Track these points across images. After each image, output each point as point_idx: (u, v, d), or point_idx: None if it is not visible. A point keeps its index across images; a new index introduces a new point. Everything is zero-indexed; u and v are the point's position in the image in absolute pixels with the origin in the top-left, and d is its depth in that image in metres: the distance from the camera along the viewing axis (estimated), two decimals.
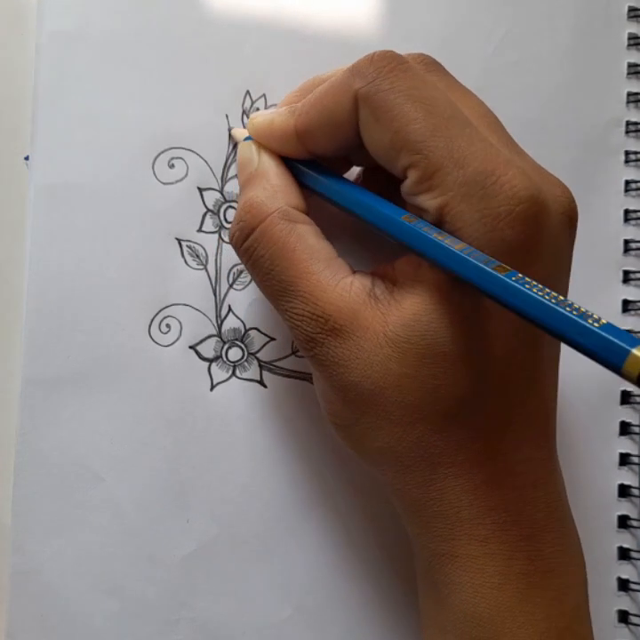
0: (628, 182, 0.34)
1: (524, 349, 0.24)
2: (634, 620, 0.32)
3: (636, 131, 0.34)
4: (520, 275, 0.21)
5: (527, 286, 0.21)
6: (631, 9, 0.34)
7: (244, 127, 0.31)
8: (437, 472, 0.24)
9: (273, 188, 0.27)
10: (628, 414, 0.33)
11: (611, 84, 0.34)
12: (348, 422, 0.26)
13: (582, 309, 0.20)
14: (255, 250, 0.26)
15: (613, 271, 0.33)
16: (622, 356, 0.18)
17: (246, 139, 0.29)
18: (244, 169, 0.28)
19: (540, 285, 0.21)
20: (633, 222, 0.33)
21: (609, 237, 0.33)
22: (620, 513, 0.33)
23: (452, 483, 0.24)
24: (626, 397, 0.33)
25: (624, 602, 0.32)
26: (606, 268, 0.33)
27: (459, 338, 0.23)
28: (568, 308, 0.20)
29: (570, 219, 0.25)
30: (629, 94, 0.34)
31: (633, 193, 0.34)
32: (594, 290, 0.33)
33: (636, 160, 0.34)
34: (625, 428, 0.33)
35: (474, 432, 0.24)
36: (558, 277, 0.25)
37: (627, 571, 0.32)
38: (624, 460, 0.33)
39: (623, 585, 0.32)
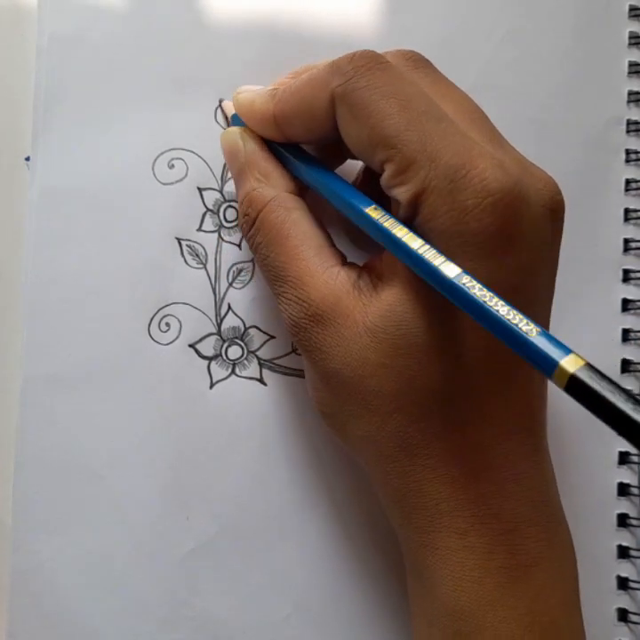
0: (628, 181, 0.34)
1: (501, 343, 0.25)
2: (633, 618, 0.32)
3: (637, 130, 0.34)
4: (468, 277, 0.22)
5: (472, 291, 0.21)
6: (632, 8, 0.34)
7: None
8: (415, 463, 0.25)
9: (265, 177, 0.28)
10: None
11: (611, 82, 0.34)
12: (332, 410, 0.26)
13: (519, 316, 0.21)
14: (255, 237, 0.27)
15: (613, 270, 0.33)
16: (553, 366, 0.20)
17: (233, 119, 0.30)
18: (233, 158, 0.29)
19: (485, 290, 0.21)
20: (633, 221, 0.33)
21: (609, 236, 0.33)
22: (619, 511, 0.33)
23: (429, 474, 0.25)
24: None
25: (623, 600, 0.32)
26: (606, 266, 0.33)
27: (431, 329, 0.24)
28: (506, 316, 0.21)
29: (552, 211, 0.25)
30: (630, 93, 0.34)
31: (633, 192, 0.33)
32: (594, 289, 0.33)
33: (637, 159, 0.34)
34: None
35: (451, 424, 0.24)
36: (538, 270, 0.25)
37: (626, 569, 0.32)
38: (623, 458, 0.33)
39: (622, 583, 0.32)
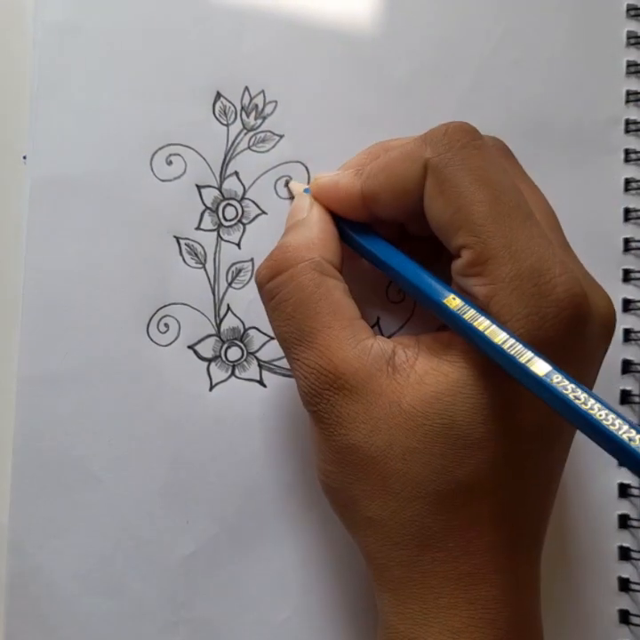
0: (627, 181, 0.34)
1: (541, 450, 0.24)
2: (634, 620, 0.32)
3: (636, 129, 0.34)
4: (558, 375, 0.21)
5: (565, 391, 0.21)
6: (630, 7, 0.34)
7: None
8: (425, 554, 0.24)
9: (313, 238, 0.27)
10: (627, 415, 0.33)
11: (610, 82, 0.34)
12: (340, 485, 0.25)
13: (618, 420, 0.20)
14: (280, 292, 0.26)
15: (613, 270, 0.33)
16: None
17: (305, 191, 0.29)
18: (293, 217, 0.28)
19: (579, 389, 0.21)
20: (633, 221, 0.33)
21: (609, 236, 0.33)
22: (620, 512, 0.32)
23: (437, 568, 0.24)
24: (625, 397, 0.33)
25: (625, 602, 0.32)
26: (606, 266, 0.33)
27: (478, 426, 0.23)
28: (604, 421, 0.20)
29: (608, 330, 0.25)
30: (628, 93, 0.34)
31: (633, 191, 0.34)
32: None
33: (636, 159, 0.34)
34: None
35: (470, 521, 0.24)
36: (586, 381, 0.25)
37: (627, 570, 0.32)
38: None
39: (624, 584, 0.32)
